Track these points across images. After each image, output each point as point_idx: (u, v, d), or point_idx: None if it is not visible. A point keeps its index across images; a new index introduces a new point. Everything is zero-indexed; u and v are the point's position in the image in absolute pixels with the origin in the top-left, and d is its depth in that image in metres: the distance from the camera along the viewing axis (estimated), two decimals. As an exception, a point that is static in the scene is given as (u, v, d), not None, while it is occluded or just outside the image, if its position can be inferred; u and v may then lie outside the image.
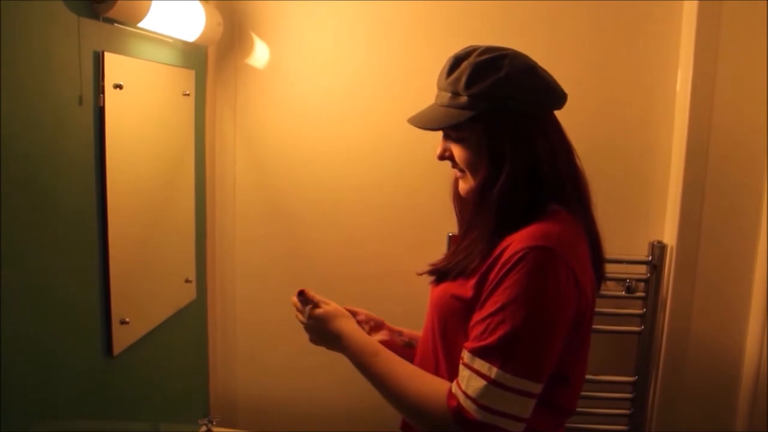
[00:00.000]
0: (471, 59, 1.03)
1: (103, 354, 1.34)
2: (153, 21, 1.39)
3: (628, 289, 1.77)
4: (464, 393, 0.94)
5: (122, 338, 1.37)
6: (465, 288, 1.02)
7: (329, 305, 1.18)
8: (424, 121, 1.09)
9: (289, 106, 1.86)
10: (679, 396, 1.78)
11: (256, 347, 1.99)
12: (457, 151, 1.08)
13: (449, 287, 1.06)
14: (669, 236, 1.76)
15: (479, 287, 1.00)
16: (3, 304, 1.02)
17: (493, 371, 0.92)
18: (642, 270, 1.78)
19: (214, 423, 1.75)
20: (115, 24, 1.31)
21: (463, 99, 1.03)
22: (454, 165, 1.11)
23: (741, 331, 1.75)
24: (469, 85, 1.02)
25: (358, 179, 1.87)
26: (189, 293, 1.75)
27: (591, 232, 1.09)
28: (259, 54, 1.84)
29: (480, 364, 0.93)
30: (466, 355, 0.96)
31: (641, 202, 1.79)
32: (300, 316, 1.20)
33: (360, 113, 1.84)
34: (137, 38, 1.42)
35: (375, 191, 1.87)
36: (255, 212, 1.92)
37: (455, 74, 1.05)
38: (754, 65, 1.64)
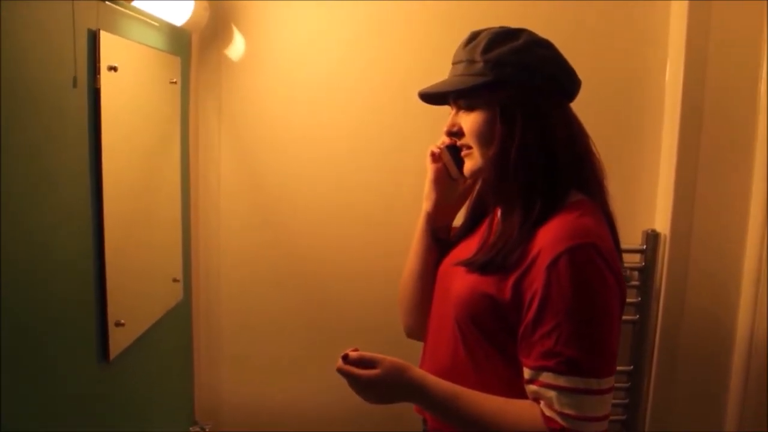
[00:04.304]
0: (489, 30, 1.04)
1: (99, 359, 1.23)
2: (145, 1, 1.31)
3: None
4: (561, 413, 0.91)
5: (118, 341, 1.27)
6: (500, 288, 0.98)
7: (384, 358, 1.01)
8: (435, 89, 1.07)
9: (274, 97, 1.78)
10: (675, 384, 1.80)
11: (242, 348, 1.90)
12: (467, 122, 1.05)
13: (479, 283, 1.01)
14: (661, 224, 1.77)
15: (516, 291, 0.96)
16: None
17: (583, 382, 0.91)
18: (636, 258, 1.79)
19: (207, 429, 1.67)
20: (108, 2, 1.22)
21: (479, 65, 1.01)
22: (461, 142, 1.08)
23: (732, 317, 1.77)
24: (486, 50, 1.01)
25: (347, 171, 1.81)
26: (177, 293, 1.65)
27: (609, 220, 1.08)
28: (243, 44, 1.76)
29: (566, 380, 0.91)
30: (545, 375, 0.92)
31: (633, 190, 1.80)
32: (358, 377, 1.00)
33: (347, 105, 1.78)
34: (129, 19, 1.32)
35: (366, 181, 1.81)
36: (240, 207, 1.84)
37: (472, 44, 1.04)
38: (745, 58, 1.66)
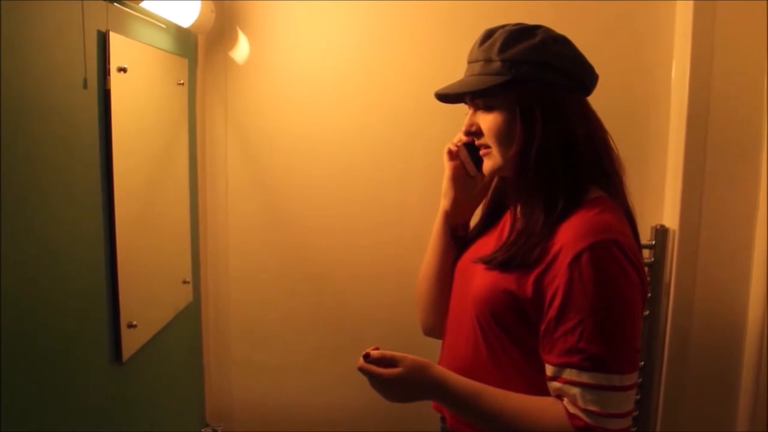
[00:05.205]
0: (505, 28, 1.02)
1: (112, 360, 1.23)
2: (153, 2, 1.31)
3: (633, 274, 1.77)
4: (586, 410, 0.91)
5: (130, 343, 1.27)
6: (521, 284, 0.97)
7: (405, 357, 1.00)
8: (453, 89, 1.05)
9: (280, 98, 1.78)
10: (686, 379, 1.79)
11: (252, 349, 1.90)
12: (486, 122, 1.03)
13: (500, 280, 1.00)
14: (670, 220, 1.77)
15: (538, 288, 0.96)
16: (6, 310, 0.91)
17: (606, 378, 0.90)
18: (645, 254, 1.78)
19: (219, 431, 1.67)
20: (116, 3, 1.22)
21: (496, 64, 1.00)
22: (479, 142, 1.07)
23: (743, 311, 1.77)
24: (502, 49, 0.99)
25: (354, 171, 1.81)
26: (187, 295, 1.65)
27: (629, 216, 1.07)
28: (248, 46, 1.76)
29: (590, 377, 0.90)
30: (568, 372, 0.92)
31: (642, 186, 1.79)
32: (380, 376, 0.99)
33: (353, 105, 1.78)
34: (137, 20, 1.33)
35: (374, 181, 1.81)
36: (248, 207, 1.84)
37: (488, 42, 1.02)
38: (750, 54, 1.66)
